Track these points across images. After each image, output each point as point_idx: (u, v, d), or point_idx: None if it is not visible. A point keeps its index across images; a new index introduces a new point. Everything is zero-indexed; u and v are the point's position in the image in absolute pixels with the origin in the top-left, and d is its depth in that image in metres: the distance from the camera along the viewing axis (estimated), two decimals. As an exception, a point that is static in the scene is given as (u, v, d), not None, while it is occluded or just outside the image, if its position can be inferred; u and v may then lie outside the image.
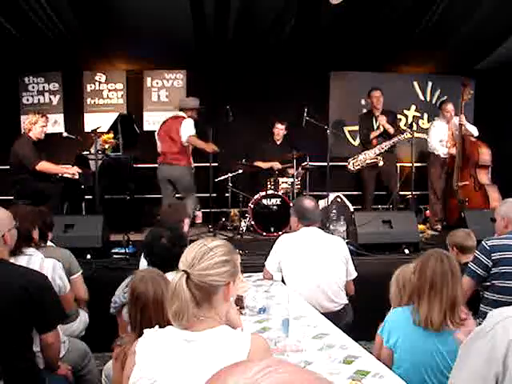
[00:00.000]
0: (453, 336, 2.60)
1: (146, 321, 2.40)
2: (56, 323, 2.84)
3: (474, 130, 7.49)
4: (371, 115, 7.73)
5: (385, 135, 7.52)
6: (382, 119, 7.49)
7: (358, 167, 7.55)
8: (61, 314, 2.92)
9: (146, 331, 1.95)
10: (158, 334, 1.91)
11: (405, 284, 3.00)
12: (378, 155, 7.42)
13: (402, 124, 8.77)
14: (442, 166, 7.65)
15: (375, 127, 7.62)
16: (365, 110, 8.71)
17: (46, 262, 3.28)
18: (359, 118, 8.05)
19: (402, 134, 7.23)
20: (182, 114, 7.04)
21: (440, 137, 7.64)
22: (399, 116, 8.65)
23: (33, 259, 3.24)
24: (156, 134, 7.25)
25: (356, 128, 8.83)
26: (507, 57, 7.83)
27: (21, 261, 3.12)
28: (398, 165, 8.21)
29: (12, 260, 3.01)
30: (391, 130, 7.45)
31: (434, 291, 2.67)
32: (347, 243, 4.62)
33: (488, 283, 3.65)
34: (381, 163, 7.40)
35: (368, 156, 7.48)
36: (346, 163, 7.67)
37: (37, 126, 6.40)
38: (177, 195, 7.06)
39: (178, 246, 3.19)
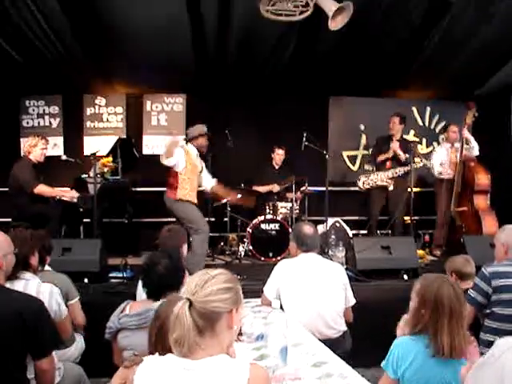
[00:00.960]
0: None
1: (161, 343, 2.34)
2: (51, 349, 2.78)
3: (475, 148, 7.54)
4: (388, 140, 7.66)
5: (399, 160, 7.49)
6: (394, 145, 7.47)
7: (368, 186, 7.54)
8: (56, 339, 2.88)
9: (147, 358, 1.94)
10: (158, 361, 1.90)
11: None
12: (390, 179, 7.43)
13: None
14: (446, 190, 7.64)
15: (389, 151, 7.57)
16: (364, 136, 8.80)
17: (42, 287, 3.25)
18: (376, 140, 8.02)
19: (419, 162, 7.31)
20: (188, 146, 6.50)
21: (440, 159, 7.71)
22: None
23: (30, 284, 3.20)
24: None
25: (354, 153, 8.91)
26: (506, 82, 7.89)
27: (18, 286, 3.09)
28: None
29: (8, 285, 2.98)
30: (402, 157, 7.39)
31: (455, 319, 2.60)
32: (346, 269, 4.60)
33: (488, 311, 3.61)
34: (391, 188, 7.40)
35: (380, 177, 7.48)
36: (357, 179, 7.70)
37: (37, 149, 6.41)
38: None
39: (174, 276, 3.16)
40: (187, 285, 1.92)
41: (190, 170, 6.31)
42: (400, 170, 7.39)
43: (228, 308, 1.91)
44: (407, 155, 7.28)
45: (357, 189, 7.75)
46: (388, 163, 7.56)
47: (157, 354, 1.97)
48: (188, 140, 6.57)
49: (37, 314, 2.69)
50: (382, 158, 7.63)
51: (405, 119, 7.73)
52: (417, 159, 7.38)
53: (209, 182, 6.81)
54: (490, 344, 3.43)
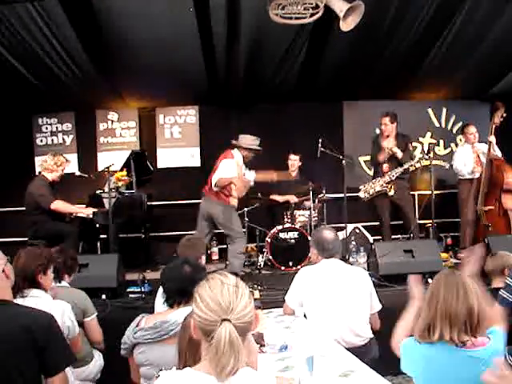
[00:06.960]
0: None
1: (192, 356, 2.20)
2: (62, 366, 2.58)
3: (497, 153, 7.42)
4: (381, 139, 7.36)
5: (395, 161, 7.15)
6: (389, 142, 7.16)
7: (368, 195, 7.27)
8: (69, 356, 2.68)
9: (162, 373, 1.82)
10: (176, 377, 1.77)
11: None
12: (388, 183, 7.12)
13: (417, 151, 8.71)
14: (470, 190, 7.50)
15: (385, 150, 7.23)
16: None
17: (54, 305, 3.16)
18: (372, 140, 7.72)
19: (412, 160, 7.06)
20: (234, 151, 6.51)
21: (463, 160, 7.58)
22: (415, 144, 8.58)
23: (41, 301, 3.12)
24: None
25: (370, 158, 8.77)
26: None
27: (28, 303, 2.98)
28: (416, 193, 8.03)
29: (19, 301, 2.90)
30: (399, 155, 7.06)
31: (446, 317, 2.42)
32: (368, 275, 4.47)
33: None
34: (391, 193, 7.09)
35: (377, 183, 7.23)
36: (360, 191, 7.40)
37: (60, 169, 6.43)
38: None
39: (200, 276, 3.06)
40: (214, 304, 1.70)
41: (239, 180, 6.36)
42: (397, 172, 7.07)
43: (254, 313, 1.78)
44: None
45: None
46: (386, 167, 7.20)
47: (174, 367, 1.85)
48: (237, 146, 6.54)
49: (47, 329, 2.54)
50: (381, 156, 7.34)
51: (395, 117, 7.30)
52: (418, 157, 7.11)
53: (251, 176, 6.78)
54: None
